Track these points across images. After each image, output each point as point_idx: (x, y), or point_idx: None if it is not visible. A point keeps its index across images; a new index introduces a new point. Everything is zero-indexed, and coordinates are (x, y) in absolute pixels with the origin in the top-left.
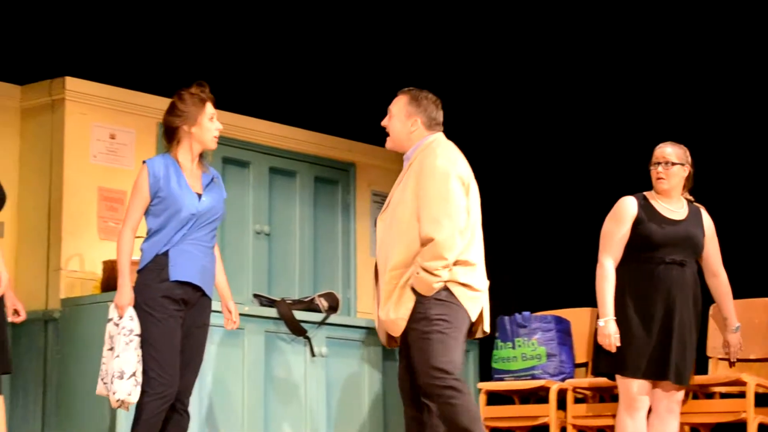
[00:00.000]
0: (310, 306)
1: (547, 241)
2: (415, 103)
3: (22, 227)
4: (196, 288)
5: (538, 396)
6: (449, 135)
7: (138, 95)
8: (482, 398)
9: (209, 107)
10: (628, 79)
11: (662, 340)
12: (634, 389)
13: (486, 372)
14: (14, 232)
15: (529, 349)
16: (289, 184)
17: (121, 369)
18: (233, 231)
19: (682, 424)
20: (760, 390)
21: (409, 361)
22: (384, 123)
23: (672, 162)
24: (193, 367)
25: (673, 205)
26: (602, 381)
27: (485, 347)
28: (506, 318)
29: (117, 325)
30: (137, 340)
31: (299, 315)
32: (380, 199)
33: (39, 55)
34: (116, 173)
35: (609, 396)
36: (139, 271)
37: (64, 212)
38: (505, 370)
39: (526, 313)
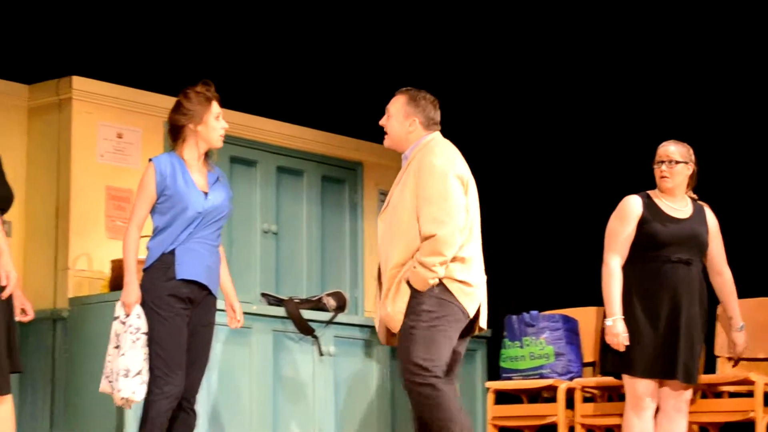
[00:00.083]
0: (317, 305)
1: (553, 241)
2: (413, 103)
3: (30, 226)
4: (202, 286)
5: (547, 395)
6: (456, 134)
7: (145, 94)
8: (490, 397)
9: (215, 106)
10: (633, 78)
11: (669, 339)
12: (640, 389)
13: (494, 371)
14: (22, 231)
15: (537, 348)
16: (297, 183)
17: (126, 367)
18: (241, 230)
19: (690, 423)
20: None
21: None
22: (382, 122)
23: (676, 160)
24: (200, 366)
25: (678, 204)
26: (610, 380)
27: (493, 346)
28: (514, 317)
29: (123, 323)
30: (144, 338)
31: (307, 314)
32: None
33: (46, 54)
34: (123, 172)
35: (617, 395)
36: (145, 270)
37: (71, 211)
38: (513, 370)
39: (534, 313)
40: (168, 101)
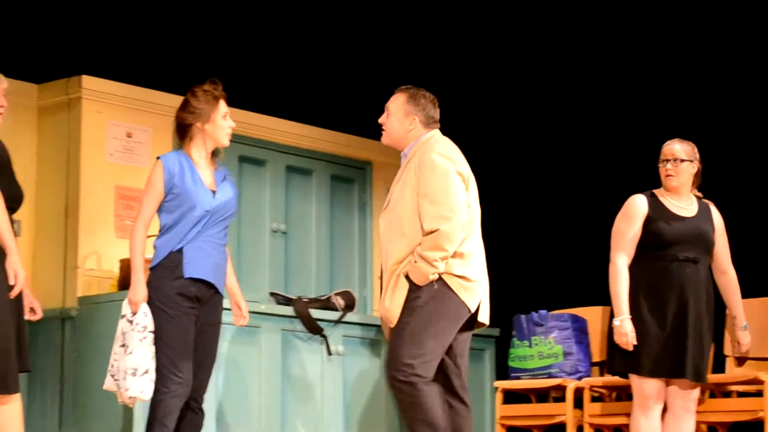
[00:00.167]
0: (326, 304)
1: (562, 240)
2: (413, 101)
3: (39, 226)
4: (210, 285)
5: (555, 395)
6: (465, 133)
7: (154, 93)
8: (499, 397)
9: (223, 105)
10: (639, 78)
11: (678, 338)
12: (647, 388)
13: (503, 370)
14: (31, 230)
15: (545, 347)
16: (306, 182)
17: (134, 366)
18: (250, 229)
19: (699, 423)
20: None
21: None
22: (381, 120)
23: (681, 159)
24: (207, 365)
25: (683, 202)
26: (619, 379)
27: (502, 346)
28: (523, 317)
29: (130, 321)
30: (151, 336)
31: (316, 313)
32: None
33: (55, 54)
34: (133, 171)
35: (625, 395)
36: (152, 269)
37: (81, 211)
38: (522, 369)
39: (543, 312)
40: (177, 101)
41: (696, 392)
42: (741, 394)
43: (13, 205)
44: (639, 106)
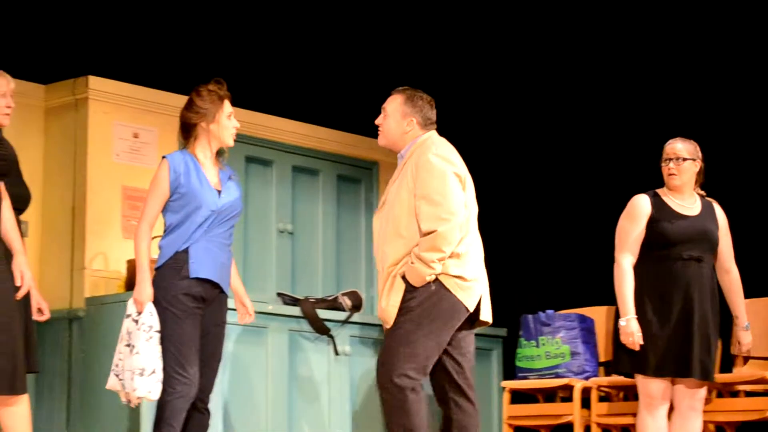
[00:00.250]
0: (333, 305)
1: (568, 240)
2: (410, 103)
3: (46, 226)
4: (215, 285)
5: (562, 395)
6: (475, 133)
7: (161, 94)
8: (506, 397)
9: (227, 105)
10: (642, 77)
11: (683, 338)
12: (653, 388)
13: (510, 370)
14: (38, 231)
15: (552, 347)
16: (312, 182)
17: (142, 366)
18: (256, 229)
19: (706, 423)
20: None
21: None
22: (378, 121)
23: (683, 157)
24: (213, 365)
25: (686, 201)
26: (626, 379)
27: (509, 346)
28: (530, 316)
29: (136, 321)
30: (157, 336)
31: (323, 314)
32: None
33: (62, 54)
34: (139, 172)
35: (633, 394)
36: (157, 268)
37: (87, 211)
38: (529, 369)
39: (550, 312)
40: (184, 101)
41: (703, 392)
42: (749, 394)
43: (20, 206)
44: (643, 106)
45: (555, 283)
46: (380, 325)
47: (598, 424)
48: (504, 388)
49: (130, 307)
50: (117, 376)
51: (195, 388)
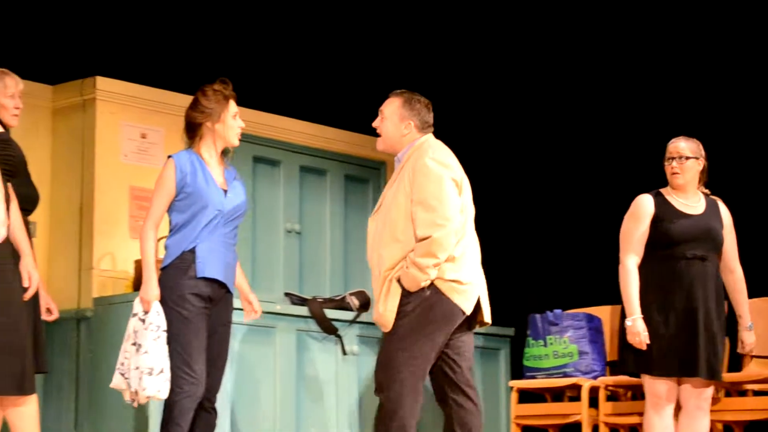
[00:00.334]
0: (341, 304)
1: (576, 239)
2: (408, 106)
3: (54, 227)
4: (221, 285)
5: (570, 394)
6: (477, 134)
7: (168, 94)
8: (514, 396)
9: (233, 105)
10: (646, 76)
11: (689, 337)
12: (659, 388)
13: (518, 370)
14: (46, 231)
15: (560, 346)
16: (320, 182)
17: (150, 365)
18: (264, 230)
19: (714, 422)
20: None
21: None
22: (375, 124)
23: (686, 156)
24: (220, 365)
25: (690, 200)
26: (634, 378)
27: (517, 345)
28: (537, 316)
29: (143, 320)
30: (165, 335)
31: (330, 313)
32: None
33: (70, 55)
34: (147, 172)
35: (641, 394)
36: (163, 268)
37: (95, 211)
38: (537, 368)
39: (558, 311)
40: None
41: (710, 391)
42: (757, 393)
43: (28, 207)
44: (647, 105)
45: (562, 283)
46: None
47: (606, 424)
48: (512, 387)
49: (137, 306)
50: (122, 374)
51: (202, 388)
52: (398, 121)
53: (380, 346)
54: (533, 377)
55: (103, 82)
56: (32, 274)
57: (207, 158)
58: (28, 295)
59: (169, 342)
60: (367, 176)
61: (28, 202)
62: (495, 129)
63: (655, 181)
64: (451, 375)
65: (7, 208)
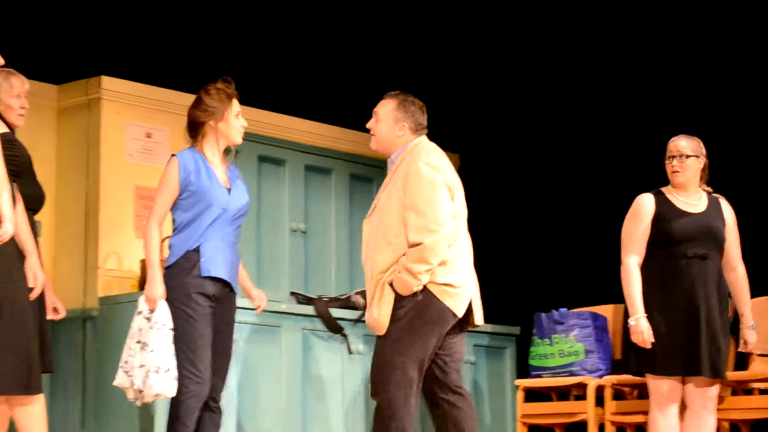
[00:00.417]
0: (346, 303)
1: (581, 238)
2: (402, 108)
3: (60, 226)
4: (226, 284)
5: (576, 393)
6: (482, 134)
7: (174, 94)
8: (520, 395)
9: (235, 104)
10: (646, 74)
11: (691, 336)
12: (663, 387)
13: (523, 369)
14: (52, 231)
15: (566, 345)
16: (325, 181)
17: (157, 364)
18: (269, 229)
19: (721, 421)
20: None
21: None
22: (369, 125)
23: (686, 154)
24: (224, 364)
25: (691, 198)
26: (640, 377)
27: (523, 344)
28: (543, 315)
29: (148, 318)
30: (171, 334)
31: (336, 312)
32: None
33: (75, 54)
34: (152, 172)
35: (647, 392)
36: (168, 267)
37: (101, 211)
38: (543, 367)
39: (563, 310)
40: None
41: (714, 390)
42: (763, 392)
43: (34, 206)
44: (652, 103)
45: (568, 282)
46: None
47: (612, 423)
48: (518, 386)
49: (142, 304)
50: (126, 372)
51: (207, 387)
52: (392, 123)
53: (374, 350)
54: (539, 376)
55: (108, 82)
56: (37, 274)
57: (210, 157)
58: (33, 295)
59: (174, 341)
60: (372, 175)
61: (34, 201)
62: (501, 129)
63: (662, 179)
64: (440, 377)
65: (13, 208)
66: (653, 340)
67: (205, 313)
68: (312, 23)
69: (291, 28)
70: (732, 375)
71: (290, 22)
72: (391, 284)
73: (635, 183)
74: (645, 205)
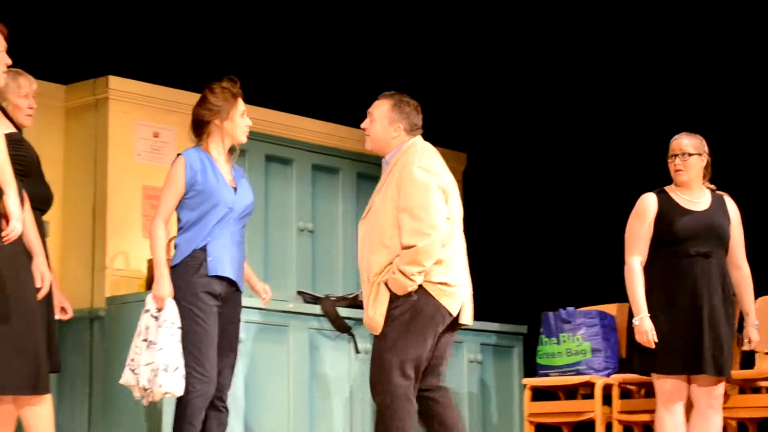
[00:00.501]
0: (354, 303)
1: (588, 237)
2: (397, 109)
3: (67, 226)
4: (232, 283)
5: (584, 392)
6: (490, 132)
7: (181, 93)
8: (527, 394)
9: (241, 103)
10: (649, 72)
11: (693, 334)
12: (668, 386)
13: (531, 368)
14: (59, 231)
15: (573, 344)
16: (332, 180)
17: (166, 362)
18: (277, 228)
19: (728, 419)
20: None
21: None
22: (364, 125)
23: (689, 153)
24: (230, 363)
25: (694, 196)
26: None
27: (530, 343)
28: (550, 314)
29: (156, 317)
30: (179, 332)
31: (343, 312)
32: None
33: (82, 54)
34: (160, 171)
35: (654, 391)
36: (174, 266)
37: (108, 211)
38: (550, 366)
39: (571, 309)
40: None
41: (720, 388)
42: None
43: (43, 207)
44: (656, 102)
45: (575, 280)
46: None
47: (620, 421)
48: (525, 385)
49: (149, 303)
50: (132, 371)
51: (213, 386)
52: (387, 124)
53: (372, 351)
54: (546, 375)
55: (115, 82)
56: (45, 274)
57: (215, 156)
58: (40, 295)
59: (181, 340)
60: (380, 174)
61: (42, 201)
62: (509, 128)
63: (669, 177)
64: (427, 377)
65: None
66: (656, 340)
67: (211, 312)
68: (319, 22)
69: (298, 27)
70: (739, 373)
71: (298, 22)
72: (386, 284)
73: (644, 181)
74: (647, 204)
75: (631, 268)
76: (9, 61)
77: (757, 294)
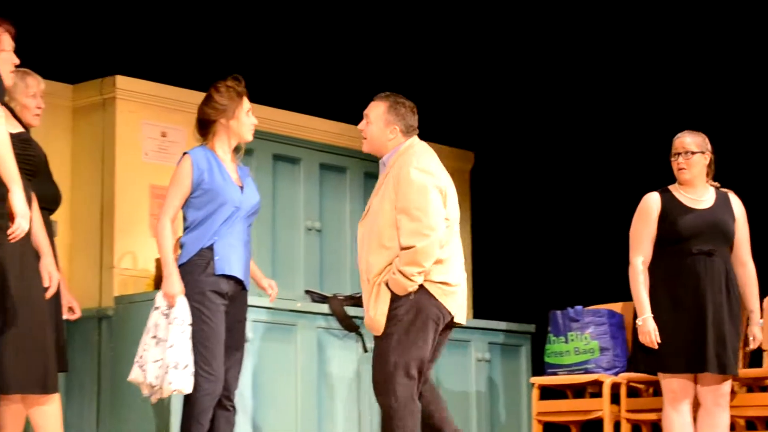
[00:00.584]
0: (361, 302)
1: (596, 235)
2: (393, 111)
3: (75, 226)
4: (239, 282)
5: (592, 390)
6: (493, 134)
7: (188, 93)
8: (535, 393)
9: (246, 101)
10: (652, 71)
11: (697, 333)
12: (673, 385)
13: (539, 367)
14: (67, 230)
15: (581, 343)
16: (340, 179)
17: (176, 360)
18: (284, 228)
19: (736, 418)
20: None
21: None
22: (360, 127)
23: (692, 151)
24: (237, 362)
25: (698, 195)
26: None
27: (538, 342)
28: (558, 312)
29: (166, 315)
30: (190, 330)
31: (351, 311)
32: None
33: (90, 54)
34: (168, 171)
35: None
36: (181, 265)
37: (116, 210)
38: (558, 365)
39: (579, 307)
40: None
41: (726, 386)
42: None
43: (51, 206)
44: (661, 100)
45: (583, 279)
46: None
47: (628, 420)
48: (533, 384)
49: (159, 300)
50: (140, 367)
51: (221, 385)
52: (383, 126)
53: (375, 351)
54: (554, 374)
55: (123, 81)
56: (52, 273)
57: (221, 155)
58: (48, 295)
59: (191, 338)
60: None
61: (50, 201)
62: (516, 127)
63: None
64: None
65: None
66: (660, 340)
67: (219, 311)
68: (326, 22)
69: (306, 26)
70: (747, 372)
71: (305, 21)
72: (387, 284)
73: (651, 180)
74: (650, 203)
75: (634, 268)
76: (17, 61)
77: (764, 292)
